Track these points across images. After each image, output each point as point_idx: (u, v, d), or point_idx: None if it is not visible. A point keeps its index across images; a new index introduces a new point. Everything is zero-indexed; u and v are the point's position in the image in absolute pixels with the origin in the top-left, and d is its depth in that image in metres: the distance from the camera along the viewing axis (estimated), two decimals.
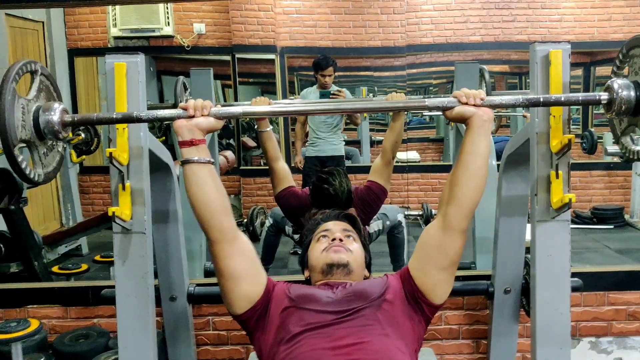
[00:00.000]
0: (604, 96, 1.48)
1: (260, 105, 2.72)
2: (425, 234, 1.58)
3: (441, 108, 1.51)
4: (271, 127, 2.77)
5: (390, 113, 2.86)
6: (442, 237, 1.52)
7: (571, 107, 1.65)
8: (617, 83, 1.46)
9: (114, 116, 1.54)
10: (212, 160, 1.52)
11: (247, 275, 1.54)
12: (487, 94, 1.50)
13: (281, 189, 2.72)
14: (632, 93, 1.44)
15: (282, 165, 2.74)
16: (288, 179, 2.74)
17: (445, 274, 1.54)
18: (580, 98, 1.56)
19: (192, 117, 1.47)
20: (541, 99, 1.51)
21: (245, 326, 1.58)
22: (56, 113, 1.46)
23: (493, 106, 1.50)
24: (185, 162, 1.47)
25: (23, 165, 1.40)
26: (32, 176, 1.44)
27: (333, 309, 1.49)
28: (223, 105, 1.56)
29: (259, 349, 1.55)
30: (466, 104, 1.46)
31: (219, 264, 1.52)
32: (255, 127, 2.78)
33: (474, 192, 1.49)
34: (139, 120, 1.53)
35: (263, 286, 1.56)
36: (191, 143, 1.47)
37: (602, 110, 6.50)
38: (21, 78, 1.42)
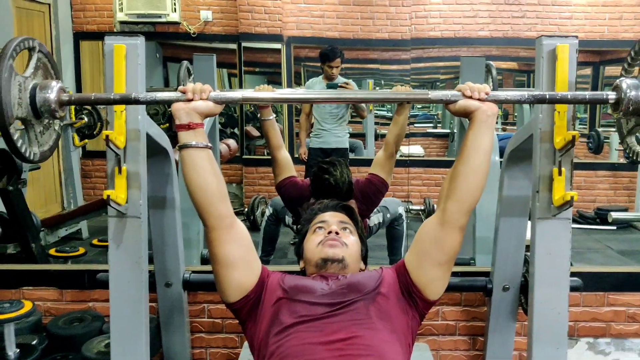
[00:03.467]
0: (611, 95, 1.45)
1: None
2: (423, 228, 1.55)
3: (444, 101, 1.48)
4: (274, 115, 2.75)
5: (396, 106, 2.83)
6: (439, 232, 1.49)
7: (577, 104, 1.62)
8: (625, 82, 1.43)
9: (112, 97, 1.53)
10: (209, 145, 1.49)
11: (242, 263, 1.52)
12: (494, 90, 1.47)
13: (282, 178, 2.71)
14: None
15: (284, 154, 2.73)
16: (290, 169, 2.72)
17: (441, 270, 1.52)
18: (587, 96, 1.53)
19: (191, 100, 1.45)
20: (547, 96, 1.49)
21: (237, 315, 1.56)
22: (53, 91, 1.44)
23: (498, 101, 1.47)
24: (182, 147, 1.45)
25: (19, 144, 1.38)
26: (27, 155, 1.42)
27: (326, 301, 1.47)
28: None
29: (251, 339, 1.53)
30: (470, 97, 1.44)
31: (214, 250, 1.50)
32: (258, 115, 2.76)
33: (474, 187, 1.46)
34: (136, 101, 1.51)
35: (257, 276, 1.54)
36: (188, 127, 1.44)
37: (609, 111, 6.51)
38: (19, 55, 1.39)
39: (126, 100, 1.52)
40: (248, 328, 1.54)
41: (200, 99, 1.45)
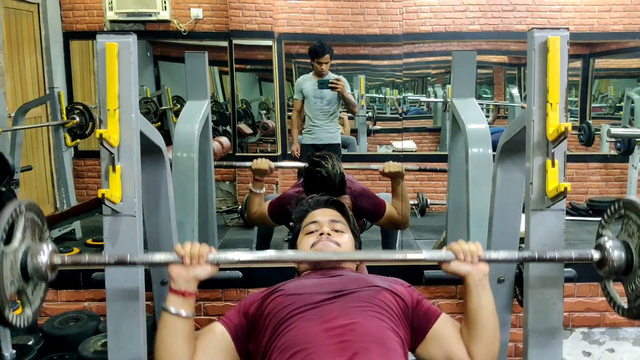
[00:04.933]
0: (595, 255, 1.50)
1: (261, 174, 2.82)
2: (458, 342, 1.50)
3: (438, 261, 1.51)
4: (264, 190, 2.83)
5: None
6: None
7: (568, 97, 1.64)
8: (609, 243, 1.48)
9: (107, 260, 1.50)
10: (194, 315, 1.47)
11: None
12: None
13: (268, 211, 2.77)
14: (623, 255, 1.45)
15: (259, 214, 2.80)
16: (264, 207, 2.80)
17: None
18: (573, 256, 1.56)
19: (189, 263, 1.42)
20: (536, 256, 1.54)
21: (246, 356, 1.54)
22: (45, 257, 1.38)
23: (490, 261, 1.51)
24: (166, 310, 1.42)
25: (13, 322, 1.32)
26: (20, 324, 1.36)
27: (324, 290, 1.48)
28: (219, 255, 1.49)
29: (256, 351, 1.49)
30: (464, 259, 1.46)
31: None
32: (250, 186, 2.81)
33: (490, 345, 1.47)
34: (132, 264, 1.51)
35: (231, 342, 1.50)
36: (182, 294, 1.43)
37: (600, 104, 6.51)
38: None
39: (121, 263, 1.50)
40: (252, 346, 1.51)
41: (198, 263, 1.42)
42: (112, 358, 1.72)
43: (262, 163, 2.79)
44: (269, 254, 1.55)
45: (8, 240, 1.33)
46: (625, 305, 1.48)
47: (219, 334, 1.50)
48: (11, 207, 1.33)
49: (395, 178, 2.73)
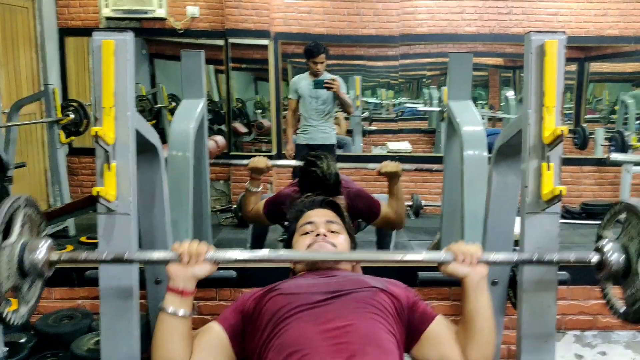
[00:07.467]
0: (594, 258, 1.50)
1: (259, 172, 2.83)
2: (452, 344, 1.49)
3: (436, 262, 1.51)
4: (261, 188, 2.85)
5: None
6: None
7: (564, 99, 1.64)
8: (608, 246, 1.48)
9: (104, 257, 1.50)
10: (192, 314, 1.45)
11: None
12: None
13: (264, 210, 2.78)
14: (622, 259, 1.46)
15: (254, 212, 2.82)
16: (260, 205, 2.81)
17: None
18: (571, 258, 1.57)
19: (187, 261, 1.41)
20: (535, 258, 1.55)
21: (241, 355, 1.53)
22: (42, 252, 1.39)
23: (488, 263, 1.51)
24: (163, 310, 1.41)
25: (8, 318, 1.32)
26: (15, 322, 1.35)
27: (322, 290, 1.48)
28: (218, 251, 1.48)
29: (252, 350, 1.49)
30: (463, 260, 1.46)
31: None
32: (247, 184, 2.82)
33: (484, 347, 1.47)
34: (129, 261, 1.51)
35: (227, 341, 1.49)
36: (181, 293, 1.41)
37: (594, 106, 6.57)
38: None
39: (118, 260, 1.50)
40: (247, 347, 1.50)
41: (197, 262, 1.41)
42: (105, 356, 1.72)
43: (260, 161, 2.79)
44: (267, 253, 1.55)
45: (5, 234, 1.33)
46: (622, 310, 1.49)
47: (215, 333, 1.49)
48: (10, 201, 1.34)
49: (392, 178, 2.74)
